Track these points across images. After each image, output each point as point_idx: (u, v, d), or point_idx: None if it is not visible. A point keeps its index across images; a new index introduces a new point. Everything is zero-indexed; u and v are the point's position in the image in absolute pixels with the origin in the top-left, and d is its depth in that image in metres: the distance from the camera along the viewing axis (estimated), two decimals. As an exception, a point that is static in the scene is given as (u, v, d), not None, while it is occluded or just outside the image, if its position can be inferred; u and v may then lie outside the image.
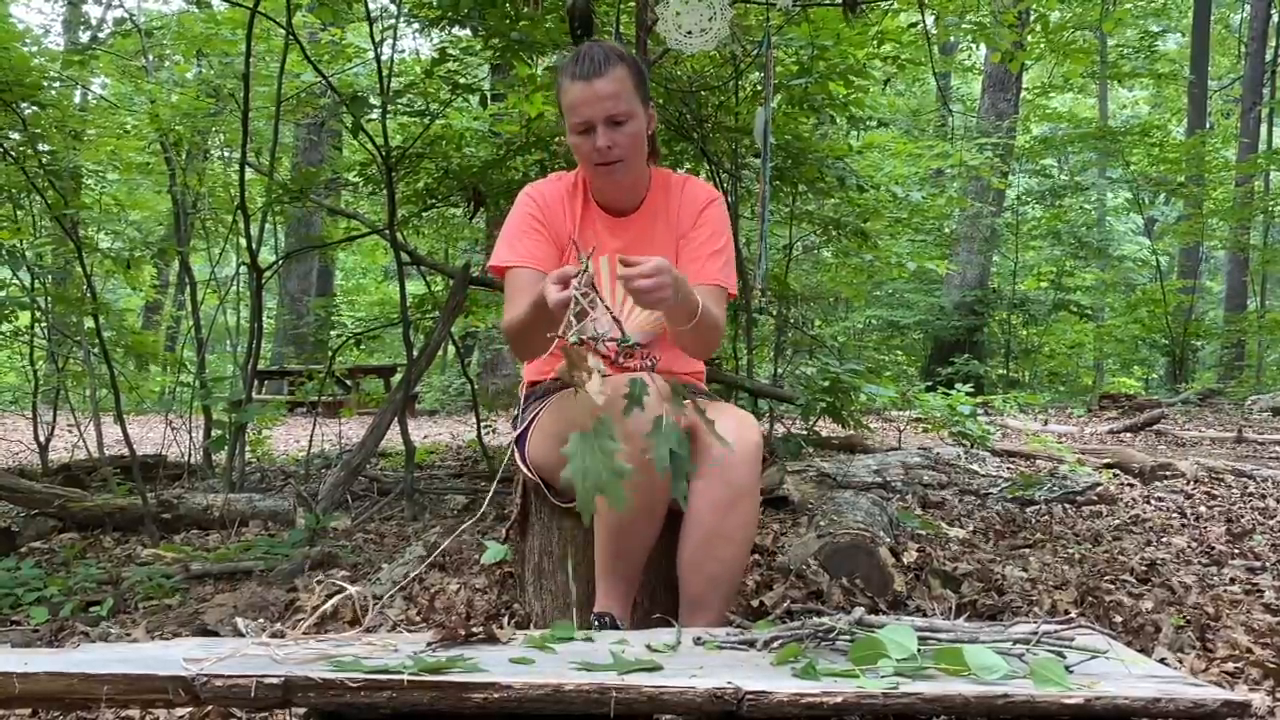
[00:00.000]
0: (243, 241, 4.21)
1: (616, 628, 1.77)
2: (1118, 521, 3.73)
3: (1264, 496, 4.33)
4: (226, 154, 5.89)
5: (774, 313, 6.03)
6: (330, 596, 1.79)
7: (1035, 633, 1.48)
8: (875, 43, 4.51)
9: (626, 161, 1.93)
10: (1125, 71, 14.15)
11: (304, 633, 1.46)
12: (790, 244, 5.85)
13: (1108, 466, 5.14)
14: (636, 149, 1.94)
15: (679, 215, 2.05)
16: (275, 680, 1.21)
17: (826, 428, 6.23)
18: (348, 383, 10.91)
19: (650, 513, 1.77)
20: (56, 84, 4.76)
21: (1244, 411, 9.74)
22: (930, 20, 4.57)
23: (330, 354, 5.97)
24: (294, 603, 2.50)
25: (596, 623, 1.78)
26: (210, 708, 1.71)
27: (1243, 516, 3.84)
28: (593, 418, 1.38)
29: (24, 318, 4.70)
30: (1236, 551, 3.16)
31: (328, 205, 6.43)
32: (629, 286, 1.61)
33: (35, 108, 4.19)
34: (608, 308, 1.65)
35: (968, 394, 6.03)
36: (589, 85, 1.86)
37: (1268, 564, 2.94)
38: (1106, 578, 2.73)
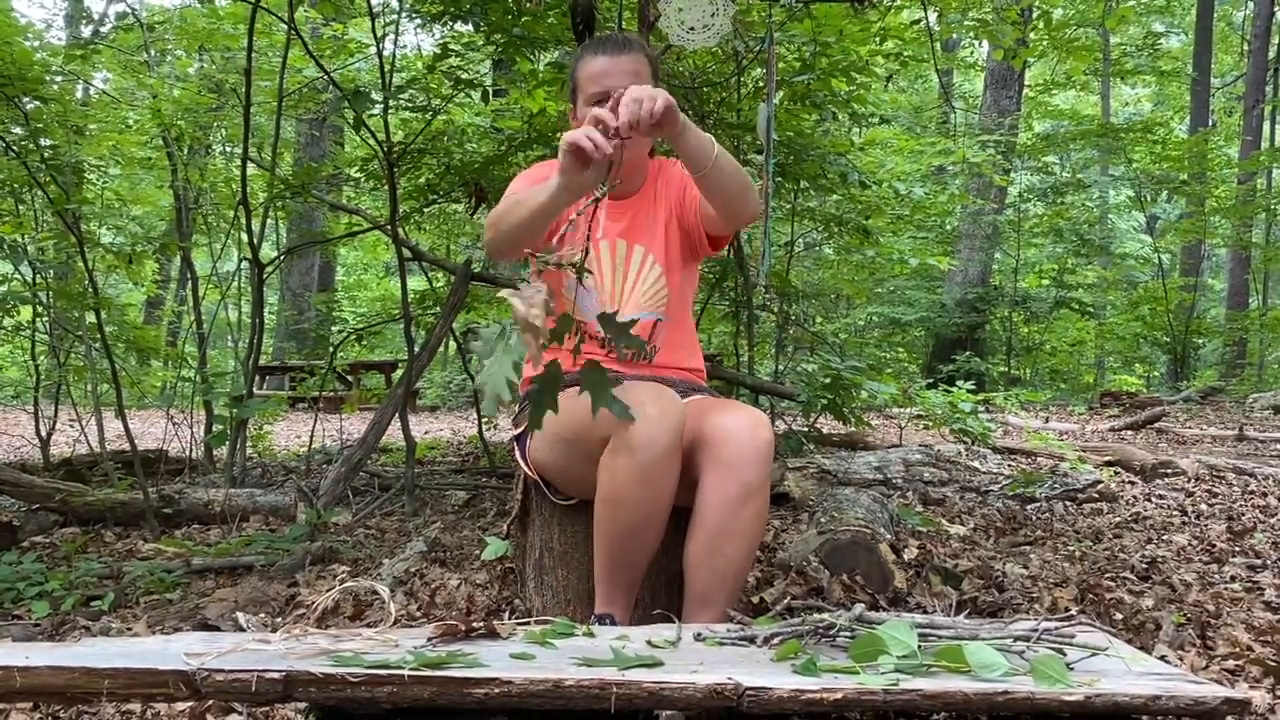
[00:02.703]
0: (244, 237, 4.21)
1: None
2: (1118, 519, 3.73)
3: (1265, 494, 4.33)
4: (228, 149, 5.88)
5: (775, 309, 6.03)
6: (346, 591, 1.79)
7: (1036, 630, 1.48)
8: (878, 39, 4.50)
9: (637, 138, 1.95)
10: (1128, 69, 14.13)
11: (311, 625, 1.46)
12: (792, 240, 5.85)
13: (1109, 464, 5.13)
14: None
15: (669, 186, 2.09)
16: (276, 675, 1.21)
17: (827, 424, 6.24)
18: (349, 378, 10.92)
19: (652, 523, 1.77)
20: (58, 78, 4.74)
21: (1245, 409, 9.72)
22: (933, 17, 4.57)
23: (331, 349, 5.97)
24: (295, 598, 2.50)
25: (597, 623, 1.78)
26: (211, 702, 1.71)
27: (1244, 514, 3.84)
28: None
29: (25, 312, 4.70)
30: (1237, 549, 3.16)
31: (329, 201, 6.43)
32: (626, 116, 1.63)
33: (37, 102, 4.19)
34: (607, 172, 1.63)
35: (969, 391, 6.03)
36: (614, 59, 1.95)
37: (1268, 562, 2.94)
38: (1107, 575, 2.72)
